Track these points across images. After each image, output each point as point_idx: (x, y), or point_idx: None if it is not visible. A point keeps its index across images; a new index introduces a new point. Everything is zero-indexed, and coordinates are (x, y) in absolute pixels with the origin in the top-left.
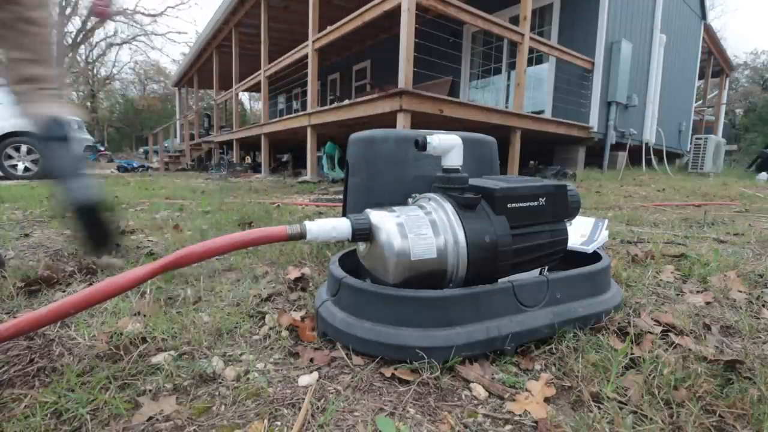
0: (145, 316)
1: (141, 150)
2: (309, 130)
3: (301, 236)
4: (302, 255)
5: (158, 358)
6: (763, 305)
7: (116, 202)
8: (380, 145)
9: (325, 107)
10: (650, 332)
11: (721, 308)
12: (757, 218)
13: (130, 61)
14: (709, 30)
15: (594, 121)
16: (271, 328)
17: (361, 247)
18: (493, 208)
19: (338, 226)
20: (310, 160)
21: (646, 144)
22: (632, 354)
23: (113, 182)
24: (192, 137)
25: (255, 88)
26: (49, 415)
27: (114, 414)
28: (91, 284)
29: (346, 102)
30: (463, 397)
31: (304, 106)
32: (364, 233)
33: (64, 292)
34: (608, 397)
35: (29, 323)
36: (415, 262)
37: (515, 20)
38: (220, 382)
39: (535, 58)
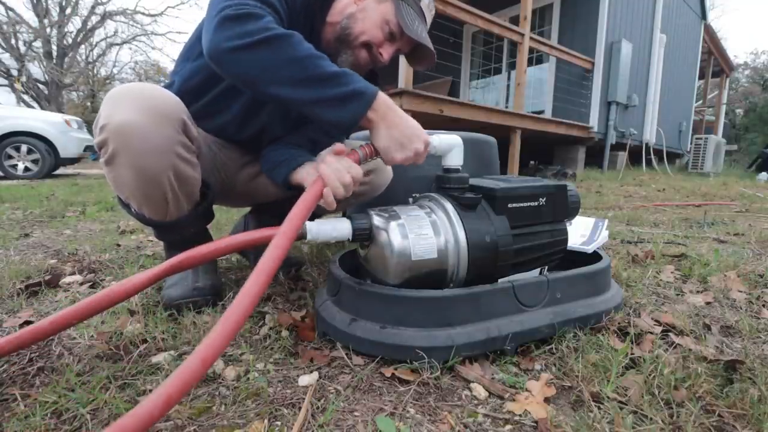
0: (145, 316)
1: None
2: None
3: (302, 236)
4: (303, 255)
5: (158, 358)
6: (763, 305)
7: (116, 203)
8: None
9: None
10: (650, 332)
11: (721, 308)
12: (757, 218)
13: (130, 61)
14: (709, 30)
15: (594, 121)
16: (271, 328)
17: (362, 247)
18: (494, 208)
19: (338, 226)
20: None
21: (646, 144)
22: (632, 354)
23: None
24: None
25: None
26: (49, 415)
27: (114, 414)
28: (92, 285)
29: None
30: (463, 397)
31: None
32: (365, 233)
33: (66, 292)
34: (608, 397)
35: (32, 335)
36: (415, 262)
37: (515, 20)
38: (220, 382)
39: (536, 58)
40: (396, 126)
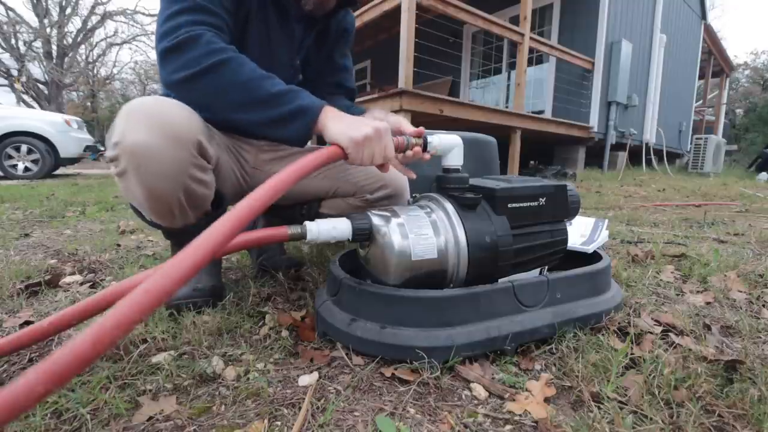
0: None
1: None
2: None
3: (302, 236)
4: (302, 255)
5: (158, 358)
6: (763, 305)
7: (116, 202)
8: None
9: None
10: (650, 332)
11: (721, 308)
12: (757, 218)
13: (130, 61)
14: (709, 30)
15: (594, 121)
16: (271, 328)
17: (362, 247)
18: (494, 208)
19: (339, 226)
20: None
21: (646, 144)
22: (632, 354)
23: (113, 182)
24: None
25: None
26: (49, 415)
27: (114, 414)
28: (92, 285)
29: None
30: (463, 397)
31: None
32: (365, 233)
33: (66, 292)
34: (608, 397)
35: (32, 335)
36: (415, 262)
37: (515, 20)
38: (220, 382)
39: (535, 58)
40: (343, 119)
